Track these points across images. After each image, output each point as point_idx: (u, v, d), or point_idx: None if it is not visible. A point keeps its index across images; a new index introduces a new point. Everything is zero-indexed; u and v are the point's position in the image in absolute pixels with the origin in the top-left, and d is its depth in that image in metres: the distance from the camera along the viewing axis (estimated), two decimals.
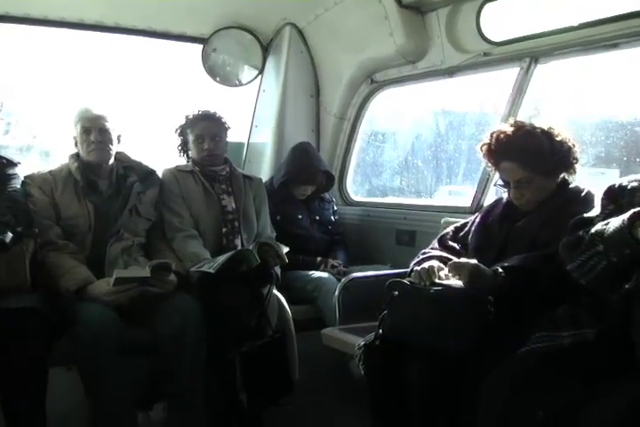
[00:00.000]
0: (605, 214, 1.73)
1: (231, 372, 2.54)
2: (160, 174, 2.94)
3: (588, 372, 1.62)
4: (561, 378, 1.62)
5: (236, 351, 2.52)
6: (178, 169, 2.98)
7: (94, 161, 2.66)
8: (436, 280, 2.04)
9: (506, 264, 1.97)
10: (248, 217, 3.01)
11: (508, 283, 1.92)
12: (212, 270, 2.53)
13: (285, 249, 2.76)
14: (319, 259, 3.28)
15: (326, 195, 3.61)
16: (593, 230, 1.63)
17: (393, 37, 3.20)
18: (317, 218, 3.47)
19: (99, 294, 2.37)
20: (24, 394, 2.13)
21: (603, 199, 1.81)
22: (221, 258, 2.59)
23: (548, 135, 2.11)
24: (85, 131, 2.64)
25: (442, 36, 3.11)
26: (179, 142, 3.09)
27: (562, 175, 2.17)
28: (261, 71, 3.90)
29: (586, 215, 1.78)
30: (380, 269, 3.10)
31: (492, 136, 2.19)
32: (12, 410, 2.14)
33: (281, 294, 2.88)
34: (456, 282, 2.01)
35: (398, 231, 3.45)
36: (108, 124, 2.67)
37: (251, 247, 2.68)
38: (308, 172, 3.38)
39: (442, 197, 3.64)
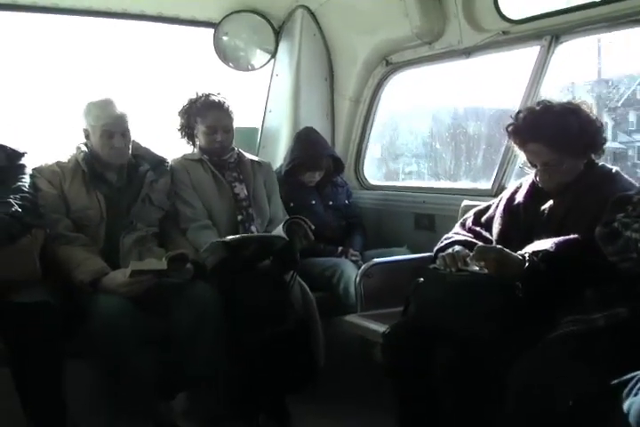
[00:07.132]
0: None
1: (251, 358, 2.52)
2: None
3: (624, 355, 1.57)
4: (597, 365, 1.58)
5: (256, 337, 2.48)
6: (185, 158, 2.96)
7: (115, 163, 2.62)
8: (462, 266, 2.00)
9: (538, 249, 1.91)
10: (259, 203, 2.99)
11: (541, 268, 1.86)
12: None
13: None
14: (340, 249, 3.23)
15: (339, 178, 3.55)
16: (628, 232, 1.58)
17: (408, 18, 3.13)
18: (331, 203, 3.42)
19: (114, 286, 2.33)
20: (42, 389, 2.11)
21: None
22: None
23: (576, 115, 2.03)
24: (108, 134, 2.56)
25: (459, 15, 3.03)
26: (181, 123, 3.03)
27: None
28: (274, 55, 3.85)
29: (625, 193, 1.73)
30: (397, 253, 3.08)
31: (518, 116, 2.12)
32: (31, 405, 2.12)
33: None
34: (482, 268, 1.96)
35: (417, 215, 3.39)
36: (129, 123, 2.60)
37: (281, 226, 2.60)
38: (312, 158, 3.33)
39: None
